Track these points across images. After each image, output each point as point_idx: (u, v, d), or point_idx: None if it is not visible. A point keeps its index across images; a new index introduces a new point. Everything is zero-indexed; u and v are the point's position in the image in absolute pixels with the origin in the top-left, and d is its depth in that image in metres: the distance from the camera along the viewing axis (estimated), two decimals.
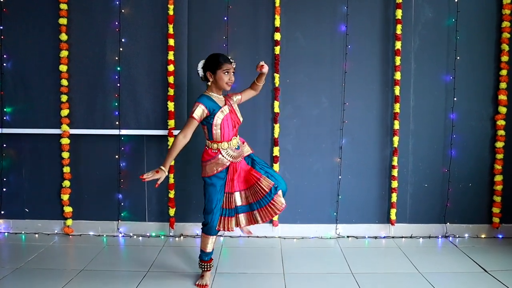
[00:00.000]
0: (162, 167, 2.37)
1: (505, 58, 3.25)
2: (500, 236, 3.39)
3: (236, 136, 2.59)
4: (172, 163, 3.31)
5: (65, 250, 3.17)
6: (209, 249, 2.58)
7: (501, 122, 3.29)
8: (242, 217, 2.57)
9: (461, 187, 3.39)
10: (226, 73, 2.48)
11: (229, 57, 2.52)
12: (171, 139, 3.29)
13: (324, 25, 3.31)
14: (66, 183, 3.36)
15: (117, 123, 3.32)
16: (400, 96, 3.29)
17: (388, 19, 3.31)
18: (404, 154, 3.37)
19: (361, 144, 3.37)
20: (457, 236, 3.40)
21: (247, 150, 2.65)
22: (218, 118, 2.47)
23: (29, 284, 2.55)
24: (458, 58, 3.29)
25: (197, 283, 2.57)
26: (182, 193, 3.41)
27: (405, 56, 3.30)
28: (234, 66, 2.53)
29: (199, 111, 2.43)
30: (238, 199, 2.55)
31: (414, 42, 3.32)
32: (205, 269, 2.60)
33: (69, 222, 3.41)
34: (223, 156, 2.49)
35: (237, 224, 2.57)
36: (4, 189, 3.43)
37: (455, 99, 3.32)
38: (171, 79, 3.25)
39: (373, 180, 3.40)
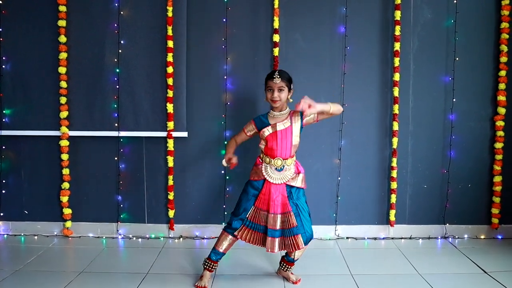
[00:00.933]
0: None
1: (504, 59, 3.25)
2: (500, 237, 3.39)
3: (286, 159, 2.48)
4: (172, 164, 3.31)
5: (64, 252, 3.17)
6: (221, 248, 2.54)
7: (500, 123, 3.29)
8: (275, 241, 2.44)
9: (461, 188, 3.39)
10: (270, 90, 2.47)
11: (275, 73, 2.44)
12: (170, 141, 3.30)
13: (323, 26, 3.31)
14: (65, 185, 3.36)
15: (116, 125, 3.32)
16: (399, 97, 3.29)
17: (387, 20, 3.31)
18: (403, 155, 3.37)
19: (360, 145, 3.37)
20: (457, 237, 3.40)
21: (296, 182, 2.50)
22: (263, 133, 2.50)
23: (29, 287, 2.54)
24: (457, 59, 3.30)
25: (196, 284, 2.57)
26: (182, 195, 3.40)
27: (404, 57, 3.30)
28: (278, 82, 2.42)
29: (248, 126, 2.58)
30: (272, 221, 2.44)
31: (413, 43, 3.32)
32: (207, 267, 2.57)
33: (69, 224, 3.40)
34: (262, 169, 2.51)
35: (264, 244, 2.47)
36: (3, 191, 3.42)
37: (454, 100, 3.32)
38: (170, 81, 3.25)
39: (372, 181, 3.40)
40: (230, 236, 2.54)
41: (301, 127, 2.52)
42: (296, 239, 2.43)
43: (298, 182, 2.52)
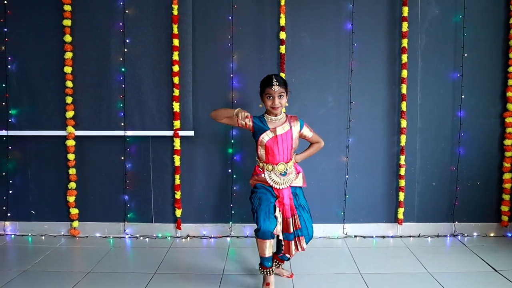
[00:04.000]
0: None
1: None
2: (509, 235, 3.36)
3: (287, 162, 2.47)
4: (178, 163, 3.30)
5: (71, 252, 3.17)
6: (268, 253, 2.42)
7: (510, 120, 3.25)
8: (291, 244, 2.46)
9: (470, 186, 3.36)
10: (269, 98, 2.41)
11: (273, 80, 2.37)
12: (176, 140, 3.28)
13: (329, 23, 3.29)
14: (72, 184, 3.36)
15: (122, 124, 3.31)
16: (407, 94, 3.26)
17: (394, 16, 3.28)
18: (411, 153, 3.34)
19: (368, 143, 3.35)
20: (466, 235, 3.37)
21: (297, 181, 2.51)
22: (263, 139, 2.45)
23: (36, 287, 2.54)
24: (465, 55, 3.26)
25: None
26: (189, 194, 3.39)
27: (411, 54, 3.27)
28: (277, 89, 2.37)
29: (244, 114, 2.40)
30: (286, 224, 2.44)
31: (421, 40, 3.29)
32: (267, 274, 2.49)
33: (76, 223, 3.40)
34: (265, 177, 2.47)
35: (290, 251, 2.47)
36: (10, 192, 3.43)
37: (462, 96, 3.29)
38: (176, 80, 3.23)
39: (380, 179, 3.37)
40: (266, 240, 2.37)
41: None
42: (300, 241, 2.45)
43: (300, 182, 2.54)
